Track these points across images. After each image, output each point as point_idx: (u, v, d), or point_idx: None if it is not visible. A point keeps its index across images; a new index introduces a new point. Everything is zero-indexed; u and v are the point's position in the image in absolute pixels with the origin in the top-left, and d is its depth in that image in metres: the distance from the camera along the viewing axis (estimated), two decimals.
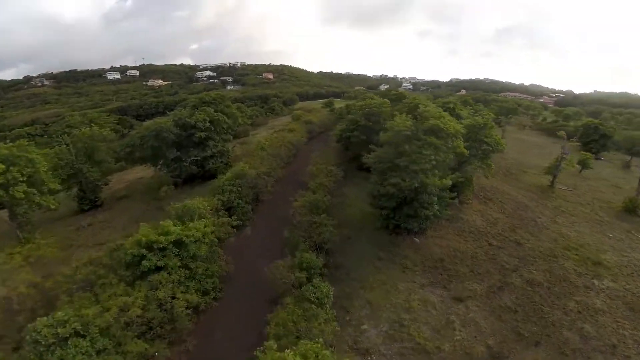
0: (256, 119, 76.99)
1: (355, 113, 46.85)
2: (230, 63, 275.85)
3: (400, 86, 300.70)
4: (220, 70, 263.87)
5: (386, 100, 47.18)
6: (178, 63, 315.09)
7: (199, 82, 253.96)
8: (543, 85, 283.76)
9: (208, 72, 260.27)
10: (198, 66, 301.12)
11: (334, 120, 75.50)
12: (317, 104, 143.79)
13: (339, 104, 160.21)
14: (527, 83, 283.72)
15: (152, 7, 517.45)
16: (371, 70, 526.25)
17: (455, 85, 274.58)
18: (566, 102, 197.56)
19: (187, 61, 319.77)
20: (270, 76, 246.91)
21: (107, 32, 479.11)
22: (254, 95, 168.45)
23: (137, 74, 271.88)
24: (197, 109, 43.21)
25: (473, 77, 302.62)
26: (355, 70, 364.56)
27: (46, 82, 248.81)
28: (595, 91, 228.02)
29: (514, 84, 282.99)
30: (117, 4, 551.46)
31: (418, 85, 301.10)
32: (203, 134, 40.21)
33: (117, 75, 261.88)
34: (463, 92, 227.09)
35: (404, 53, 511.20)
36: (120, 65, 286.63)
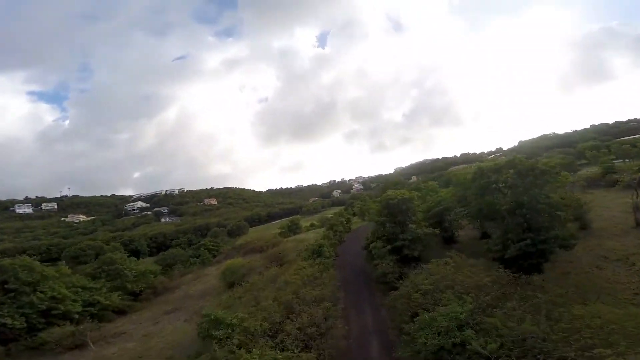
0: (159, 282, 44.10)
1: None
2: (167, 190, 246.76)
3: (352, 188, 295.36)
4: (156, 200, 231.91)
5: None
6: (109, 194, 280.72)
7: (129, 216, 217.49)
8: (472, 152, 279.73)
9: (140, 204, 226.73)
10: (131, 196, 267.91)
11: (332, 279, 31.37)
12: (274, 227, 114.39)
13: (305, 222, 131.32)
14: (458, 154, 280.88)
15: (91, 129, 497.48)
16: (319, 178, 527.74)
17: (403, 174, 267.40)
18: (517, 154, 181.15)
19: (129, 192, 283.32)
20: (214, 201, 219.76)
21: (41, 154, 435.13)
22: (191, 227, 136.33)
23: (56, 207, 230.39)
24: None
25: (413, 162, 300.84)
26: (304, 182, 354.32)
27: None
28: (520, 141, 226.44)
29: (449, 157, 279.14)
30: (55, 123, 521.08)
31: (367, 184, 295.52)
32: None
33: (28, 209, 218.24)
34: (414, 178, 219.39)
35: (343, 156, 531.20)
36: (37, 197, 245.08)
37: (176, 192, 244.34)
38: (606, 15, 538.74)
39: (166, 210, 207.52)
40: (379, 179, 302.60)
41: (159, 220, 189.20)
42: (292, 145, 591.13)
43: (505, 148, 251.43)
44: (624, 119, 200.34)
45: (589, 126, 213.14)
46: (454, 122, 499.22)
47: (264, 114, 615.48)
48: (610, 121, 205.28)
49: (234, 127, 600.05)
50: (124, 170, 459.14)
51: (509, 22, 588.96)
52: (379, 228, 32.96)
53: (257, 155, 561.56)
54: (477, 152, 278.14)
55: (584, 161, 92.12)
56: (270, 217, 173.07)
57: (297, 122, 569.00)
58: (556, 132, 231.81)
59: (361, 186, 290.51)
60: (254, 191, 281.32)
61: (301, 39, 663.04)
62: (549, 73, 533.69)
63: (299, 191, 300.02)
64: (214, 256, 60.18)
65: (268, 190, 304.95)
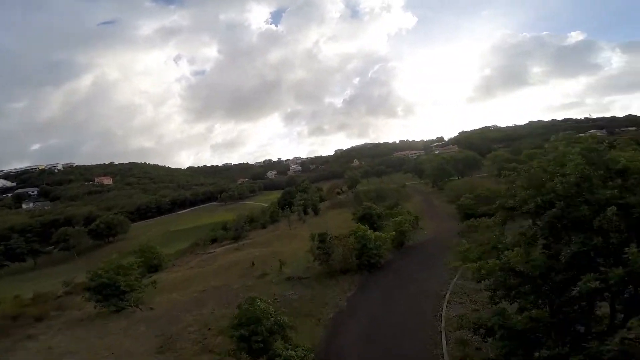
0: None
1: None
2: (47, 165, 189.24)
3: (289, 169, 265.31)
4: (25, 177, 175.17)
5: None
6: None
7: None
8: (410, 140, 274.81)
9: (2, 182, 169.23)
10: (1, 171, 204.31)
11: None
12: (169, 222, 76.15)
13: (220, 215, 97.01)
14: (397, 141, 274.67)
15: None
16: (253, 157, 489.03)
17: (344, 157, 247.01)
18: (465, 144, 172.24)
19: (25, 165, 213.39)
20: (107, 181, 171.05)
21: None
22: (37, 222, 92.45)
23: None
24: None
25: (354, 145, 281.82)
26: (235, 160, 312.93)
27: None
28: (460, 132, 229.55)
29: (389, 142, 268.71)
30: None
31: (306, 165, 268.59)
32: None
33: None
34: (356, 162, 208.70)
35: (281, 135, 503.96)
36: None
37: (59, 167, 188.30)
38: (539, 25, 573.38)
39: (35, 192, 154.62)
40: (318, 160, 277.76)
41: (20, 206, 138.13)
42: (226, 122, 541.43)
43: (446, 138, 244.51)
44: (559, 118, 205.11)
45: (527, 122, 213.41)
46: (390, 112, 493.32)
47: (199, 87, 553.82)
48: (546, 119, 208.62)
49: (163, 100, 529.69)
50: (17, 142, 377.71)
51: (455, 22, 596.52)
52: None
53: (187, 130, 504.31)
54: (417, 139, 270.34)
55: None
56: (176, 205, 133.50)
57: (235, 99, 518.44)
58: (498, 125, 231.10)
59: (299, 167, 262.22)
60: (168, 168, 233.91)
61: (254, 13, 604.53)
62: (480, 73, 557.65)
63: (225, 170, 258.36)
64: None
65: (189, 168, 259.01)
